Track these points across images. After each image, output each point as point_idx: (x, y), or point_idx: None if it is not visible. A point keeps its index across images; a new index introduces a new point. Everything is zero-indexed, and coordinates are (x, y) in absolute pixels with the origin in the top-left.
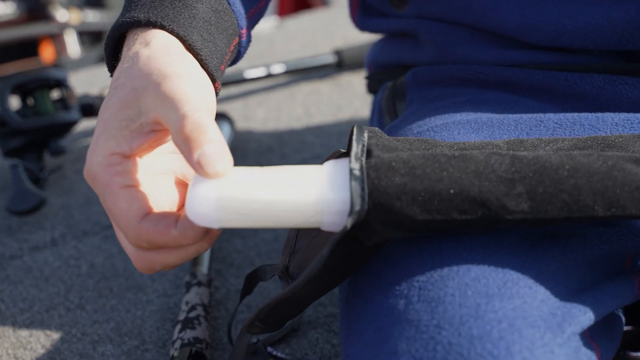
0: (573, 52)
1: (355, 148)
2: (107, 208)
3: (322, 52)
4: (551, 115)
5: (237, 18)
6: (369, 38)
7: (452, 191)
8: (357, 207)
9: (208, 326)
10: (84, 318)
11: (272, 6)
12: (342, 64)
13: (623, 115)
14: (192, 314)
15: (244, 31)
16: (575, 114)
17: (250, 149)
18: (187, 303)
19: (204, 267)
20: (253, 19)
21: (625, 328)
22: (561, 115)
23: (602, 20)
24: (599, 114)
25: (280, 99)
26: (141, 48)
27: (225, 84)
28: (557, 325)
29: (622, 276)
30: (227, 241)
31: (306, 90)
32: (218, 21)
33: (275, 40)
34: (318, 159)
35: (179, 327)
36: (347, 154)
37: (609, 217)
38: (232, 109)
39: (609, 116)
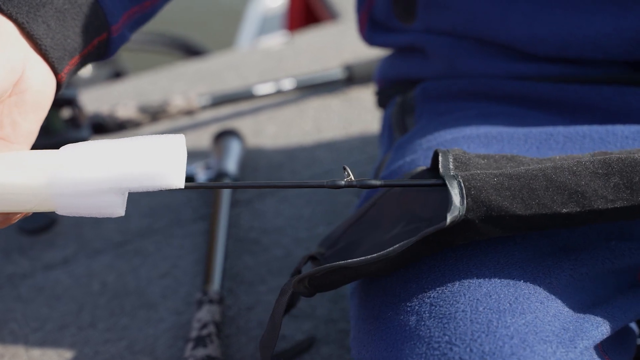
0: (581, 64)
1: (443, 159)
2: None
3: (332, 67)
4: (561, 129)
5: (105, 14)
6: (378, 52)
7: (550, 186)
8: (457, 205)
9: (220, 344)
10: (96, 337)
11: (281, 21)
12: (352, 78)
13: (634, 127)
14: (204, 332)
15: (115, 27)
16: (585, 127)
17: (261, 165)
18: (199, 321)
19: (215, 285)
20: (134, 19)
21: (639, 341)
22: (571, 129)
23: (611, 30)
24: (609, 127)
25: (291, 115)
26: None
27: (236, 100)
28: (570, 340)
29: (634, 290)
30: (238, 258)
31: (316, 105)
32: (76, 13)
33: (285, 55)
34: (329, 174)
35: (191, 344)
36: (435, 170)
37: None
38: (243, 125)
39: (619, 129)
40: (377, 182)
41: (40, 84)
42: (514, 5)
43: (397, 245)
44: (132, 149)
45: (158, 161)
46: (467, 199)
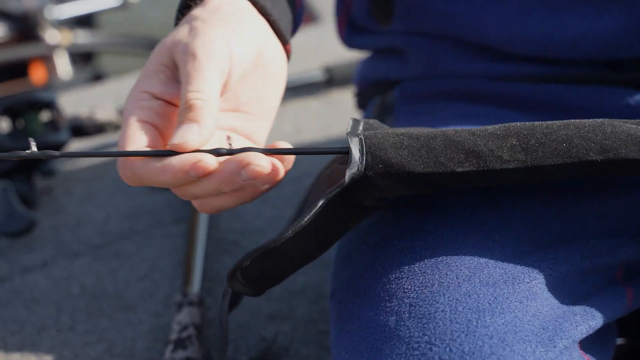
0: (560, 63)
1: (354, 124)
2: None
3: (312, 68)
4: None
5: None
6: (358, 54)
7: (447, 145)
8: (357, 161)
9: (200, 346)
10: (75, 339)
11: None
12: (332, 80)
13: None
14: (184, 334)
15: (299, 2)
16: None
17: None
18: (178, 323)
19: (195, 287)
20: None
21: (619, 341)
22: None
23: (587, 30)
24: None
25: None
26: (194, 10)
27: None
28: (549, 339)
29: (613, 288)
30: (217, 260)
31: (296, 107)
32: None
33: None
34: (308, 176)
35: (170, 347)
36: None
37: (604, 164)
38: None
39: None
40: (259, 148)
41: (278, 56)
42: (490, 6)
43: (305, 215)
44: None
45: None
46: (366, 156)
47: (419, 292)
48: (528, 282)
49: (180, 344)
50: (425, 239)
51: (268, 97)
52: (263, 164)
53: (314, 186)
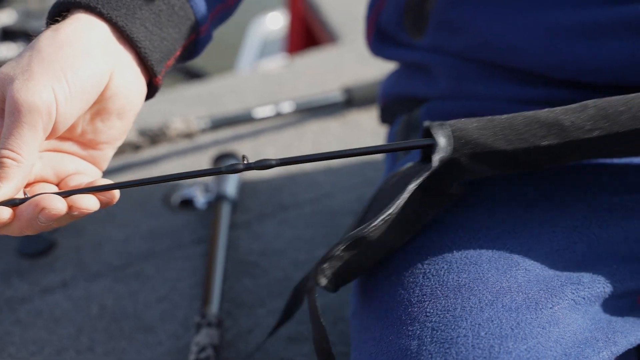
0: (594, 89)
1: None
2: None
3: (331, 89)
4: None
5: (195, 14)
6: (378, 75)
7: (529, 122)
8: (443, 145)
9: None
10: None
11: (281, 44)
12: (351, 101)
13: None
14: (202, 355)
15: (203, 28)
16: None
17: (260, 188)
18: (197, 344)
19: (214, 308)
20: (218, 17)
21: None
22: None
23: (626, 56)
24: None
25: (290, 138)
26: (47, 32)
27: (235, 123)
28: None
29: (635, 313)
30: (237, 281)
31: (315, 128)
32: (171, 15)
33: (284, 78)
34: (328, 197)
35: None
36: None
37: None
38: (242, 147)
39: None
40: (274, 161)
41: (128, 89)
42: (532, 31)
43: (395, 202)
44: None
45: None
46: (453, 139)
47: (441, 316)
48: (551, 308)
49: None
50: (449, 262)
51: (107, 129)
52: (58, 206)
53: (380, 192)
